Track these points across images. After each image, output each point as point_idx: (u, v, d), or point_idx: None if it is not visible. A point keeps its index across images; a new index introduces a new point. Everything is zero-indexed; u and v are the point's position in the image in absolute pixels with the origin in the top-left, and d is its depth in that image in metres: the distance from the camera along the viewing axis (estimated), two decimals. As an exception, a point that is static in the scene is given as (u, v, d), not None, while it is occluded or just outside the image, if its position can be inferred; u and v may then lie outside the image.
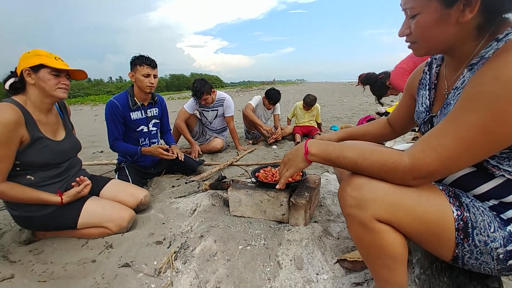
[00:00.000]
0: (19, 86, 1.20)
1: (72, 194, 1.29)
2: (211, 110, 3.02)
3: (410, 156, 0.62)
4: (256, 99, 3.44)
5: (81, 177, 1.36)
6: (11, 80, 1.21)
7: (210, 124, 3.12)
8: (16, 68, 1.22)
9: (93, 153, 3.45)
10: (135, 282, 1.06)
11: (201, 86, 2.71)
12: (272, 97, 3.38)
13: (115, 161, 2.67)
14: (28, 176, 1.22)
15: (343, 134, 1.10)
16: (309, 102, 3.61)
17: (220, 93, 3.03)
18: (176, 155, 2.01)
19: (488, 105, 0.54)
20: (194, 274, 1.03)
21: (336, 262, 1.03)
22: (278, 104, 3.59)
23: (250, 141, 3.56)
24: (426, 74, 0.87)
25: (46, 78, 1.19)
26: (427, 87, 0.84)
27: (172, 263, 1.12)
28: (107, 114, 1.87)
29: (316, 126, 3.79)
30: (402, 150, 0.67)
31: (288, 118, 4.02)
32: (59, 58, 1.25)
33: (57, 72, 1.22)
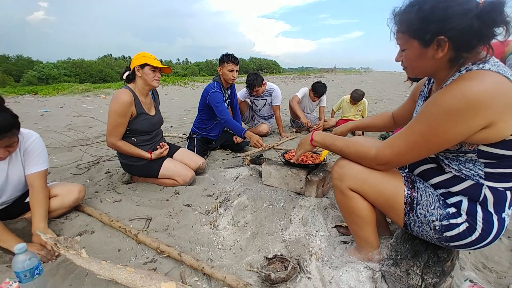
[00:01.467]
0: (131, 77, 1.80)
1: (157, 154, 1.88)
2: (261, 99, 3.43)
3: (375, 149, 0.91)
4: (302, 91, 3.69)
5: (163, 143, 1.95)
6: (127, 73, 1.81)
7: (259, 111, 3.54)
8: (129, 65, 1.81)
9: (165, 126, 4.27)
10: (193, 216, 1.57)
11: (254, 80, 3.13)
12: (317, 90, 3.58)
13: (182, 134, 3.35)
14: (133, 138, 1.84)
15: (352, 125, 1.37)
16: (356, 97, 3.69)
17: (270, 84, 3.40)
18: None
19: (427, 120, 0.79)
20: (230, 216, 1.49)
21: (334, 227, 1.35)
22: (324, 97, 3.78)
23: (294, 129, 3.87)
24: (425, 86, 1.08)
25: (148, 73, 1.75)
26: (423, 98, 1.06)
27: (217, 209, 1.60)
28: (218, 100, 2.39)
29: (361, 120, 3.85)
30: None
31: (333, 109, 4.14)
32: (155, 58, 1.80)
33: (154, 69, 1.76)
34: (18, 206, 1.46)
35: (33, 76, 34.28)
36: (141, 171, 1.93)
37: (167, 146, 1.95)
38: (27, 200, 1.47)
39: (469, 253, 1.22)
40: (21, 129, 1.28)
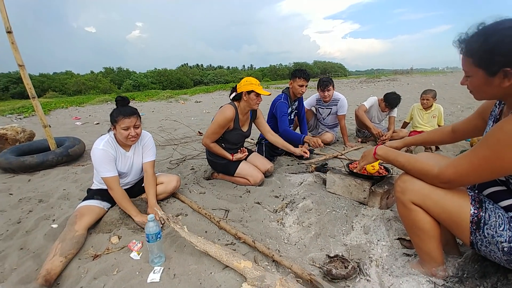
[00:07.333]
0: (237, 98, 2.19)
1: (237, 157, 2.24)
2: (326, 108, 3.52)
3: (439, 168, 0.97)
4: (370, 100, 3.61)
5: (243, 148, 2.31)
6: (233, 94, 2.21)
7: (324, 120, 3.63)
8: (236, 86, 2.18)
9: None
10: (262, 212, 1.83)
11: (327, 80, 3.31)
12: (391, 101, 3.43)
13: (251, 140, 3.71)
14: (222, 144, 2.25)
15: (408, 141, 1.40)
16: (426, 91, 3.38)
17: (336, 94, 3.45)
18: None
19: (492, 145, 0.82)
20: (296, 217, 1.69)
21: (397, 239, 1.40)
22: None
23: (359, 139, 3.80)
24: (496, 107, 1.06)
25: (253, 98, 2.10)
26: (493, 118, 1.05)
27: (284, 209, 1.82)
28: (282, 110, 2.71)
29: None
30: None
31: (405, 121, 3.87)
32: (260, 85, 2.13)
33: (258, 95, 2.11)
34: (137, 188, 1.99)
35: (129, 84, 41.72)
36: (222, 168, 2.32)
37: (247, 152, 2.30)
38: (143, 184, 1.99)
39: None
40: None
